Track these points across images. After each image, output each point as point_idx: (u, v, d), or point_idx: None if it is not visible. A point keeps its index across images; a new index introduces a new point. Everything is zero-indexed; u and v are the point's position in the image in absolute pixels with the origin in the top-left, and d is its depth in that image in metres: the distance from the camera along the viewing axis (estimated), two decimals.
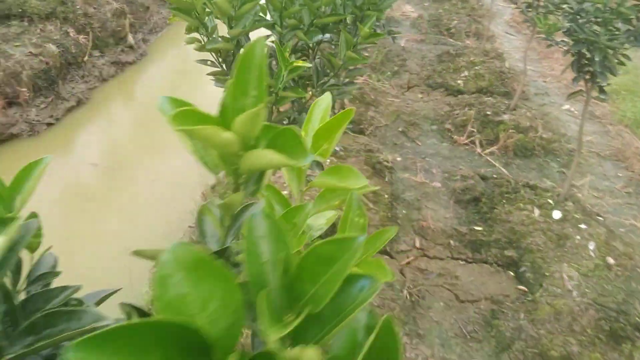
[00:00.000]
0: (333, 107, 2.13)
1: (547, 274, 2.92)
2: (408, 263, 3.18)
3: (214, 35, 1.55)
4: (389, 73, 5.50)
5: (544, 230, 3.13)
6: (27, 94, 5.02)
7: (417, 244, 3.31)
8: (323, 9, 1.57)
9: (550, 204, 3.33)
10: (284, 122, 1.73)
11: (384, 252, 3.23)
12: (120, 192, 4.53)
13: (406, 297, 2.85)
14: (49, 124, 5.19)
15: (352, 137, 4.30)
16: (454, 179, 3.80)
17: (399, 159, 4.07)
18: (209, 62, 1.74)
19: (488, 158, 4.10)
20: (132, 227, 4.09)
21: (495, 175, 3.82)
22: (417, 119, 4.63)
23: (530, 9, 3.88)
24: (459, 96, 4.99)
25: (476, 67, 5.34)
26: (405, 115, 4.68)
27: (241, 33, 1.52)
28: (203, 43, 1.52)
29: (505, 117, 4.40)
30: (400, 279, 2.99)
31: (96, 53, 6.18)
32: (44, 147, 5.08)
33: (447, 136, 4.41)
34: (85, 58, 5.94)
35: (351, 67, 1.88)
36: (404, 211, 3.52)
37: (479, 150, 4.19)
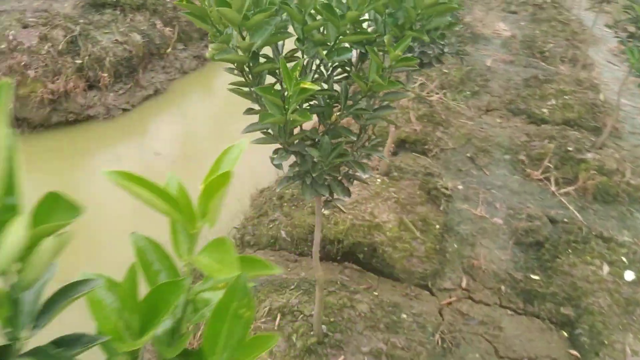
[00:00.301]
0: (373, 134, 1.94)
1: (606, 342, 2.54)
2: (449, 304, 2.91)
3: (230, 45, 1.42)
4: (467, 93, 5.17)
5: (610, 292, 2.74)
6: (108, 79, 5.22)
7: (464, 284, 3.02)
8: (350, 25, 1.40)
9: (623, 262, 2.91)
10: (297, 147, 1.57)
11: (424, 287, 2.98)
12: None
13: (437, 342, 2.59)
14: (125, 110, 5.38)
15: (413, 157, 4.06)
16: (518, 218, 3.45)
17: (460, 187, 3.77)
18: (235, 72, 1.62)
19: (562, 199, 3.69)
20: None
21: (566, 220, 3.42)
22: (489, 146, 4.29)
23: (631, 39, 3.45)
24: (542, 126, 4.57)
25: (565, 97, 4.88)
26: (477, 140, 4.36)
27: (258, 46, 1.38)
28: (214, 52, 1.40)
29: (589, 155, 3.96)
30: (435, 321, 2.73)
31: (180, 46, 6.35)
32: (116, 132, 5.27)
33: (519, 168, 4.04)
34: (169, 50, 6.12)
35: (387, 91, 1.68)
36: (455, 245, 3.24)
37: (553, 188, 3.79)
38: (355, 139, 1.68)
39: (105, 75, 5.21)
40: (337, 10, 1.38)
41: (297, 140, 1.61)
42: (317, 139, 1.68)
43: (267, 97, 1.30)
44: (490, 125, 4.67)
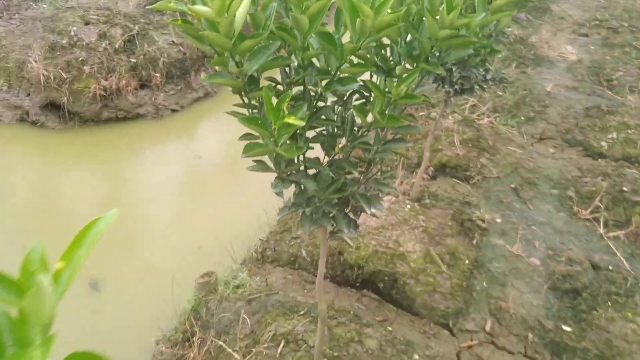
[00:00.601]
0: (382, 168, 1.82)
1: None
2: (469, 347, 2.72)
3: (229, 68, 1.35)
4: (521, 118, 4.90)
5: None
6: (160, 80, 5.34)
7: (488, 327, 2.82)
8: (351, 56, 1.29)
9: None
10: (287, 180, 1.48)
11: (444, 325, 2.81)
12: (209, 187, 4.61)
13: None
14: (173, 110, 5.48)
15: (452, 184, 3.87)
16: (558, 260, 3.20)
17: (498, 220, 3.55)
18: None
19: (610, 243, 3.40)
20: (205, 222, 4.13)
21: (610, 267, 3.14)
22: (536, 178, 4.03)
23: None
24: (597, 160, 4.25)
25: (629, 130, 4.52)
26: (525, 170, 4.10)
27: (254, 71, 1.30)
28: (206, 75, 1.33)
29: None
30: None
31: None
32: (163, 131, 5.37)
33: (566, 205, 3.76)
34: None
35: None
36: (484, 284, 3.04)
37: (601, 230, 3.50)
38: (357, 174, 1.56)
39: (158, 75, 5.32)
40: (340, 38, 1.28)
41: (294, 171, 1.52)
42: (318, 170, 1.58)
43: (252, 128, 1.22)
44: (542, 155, 4.39)
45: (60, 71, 4.85)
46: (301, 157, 1.59)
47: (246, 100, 1.45)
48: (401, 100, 1.28)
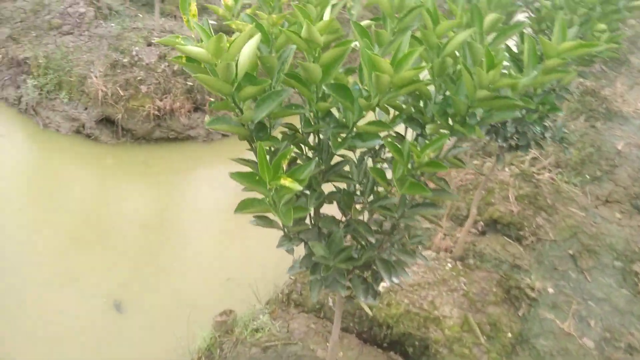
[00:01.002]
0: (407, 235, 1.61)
1: None
2: None
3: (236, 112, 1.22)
4: (586, 177, 4.51)
5: None
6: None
7: None
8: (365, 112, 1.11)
9: None
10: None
11: None
12: (249, 217, 4.49)
13: None
14: (224, 135, 5.46)
15: (502, 243, 3.55)
16: (616, 346, 2.82)
17: (550, 290, 3.21)
18: None
19: None
20: (238, 254, 4.03)
21: None
22: (598, 245, 3.65)
23: None
24: None
25: None
26: (585, 235, 3.73)
27: (261, 118, 1.16)
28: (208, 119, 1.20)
29: None
30: None
31: None
32: (212, 155, 5.36)
33: (630, 281, 3.36)
34: None
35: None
36: None
37: None
38: (373, 241, 1.36)
39: (212, 99, 5.33)
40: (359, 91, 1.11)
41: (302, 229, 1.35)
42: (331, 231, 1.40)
43: (247, 186, 1.06)
44: (606, 220, 3.99)
45: (118, 88, 4.95)
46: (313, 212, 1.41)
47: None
48: (424, 168, 1.08)
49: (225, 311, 2.98)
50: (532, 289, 3.12)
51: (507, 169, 4.29)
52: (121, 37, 5.38)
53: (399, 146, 1.12)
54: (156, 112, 5.05)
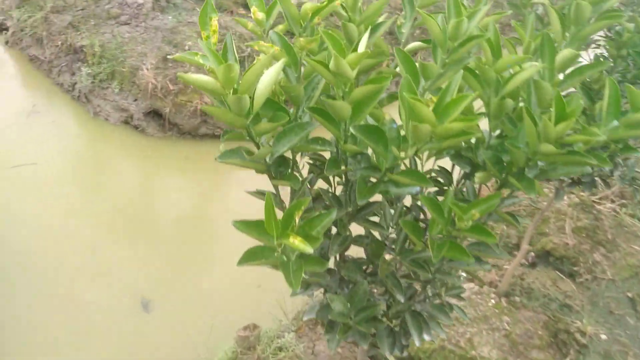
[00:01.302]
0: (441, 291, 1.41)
1: None
2: None
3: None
4: None
5: None
6: None
7: None
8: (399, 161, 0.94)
9: None
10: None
11: None
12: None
13: None
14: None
15: (554, 278, 3.27)
16: None
17: (603, 336, 2.91)
18: None
19: None
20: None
21: None
22: None
23: None
24: None
25: None
26: None
27: (280, 154, 1.01)
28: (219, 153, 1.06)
29: None
30: None
31: None
32: None
33: None
34: None
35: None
36: None
37: None
38: (402, 300, 1.18)
39: None
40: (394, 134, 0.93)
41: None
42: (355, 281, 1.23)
43: (252, 237, 0.91)
44: None
45: (168, 82, 4.93)
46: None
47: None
48: (467, 233, 0.90)
49: (249, 326, 2.86)
50: (583, 334, 2.84)
51: (565, 197, 3.97)
52: (175, 31, 5.37)
53: (438, 202, 0.93)
54: None
